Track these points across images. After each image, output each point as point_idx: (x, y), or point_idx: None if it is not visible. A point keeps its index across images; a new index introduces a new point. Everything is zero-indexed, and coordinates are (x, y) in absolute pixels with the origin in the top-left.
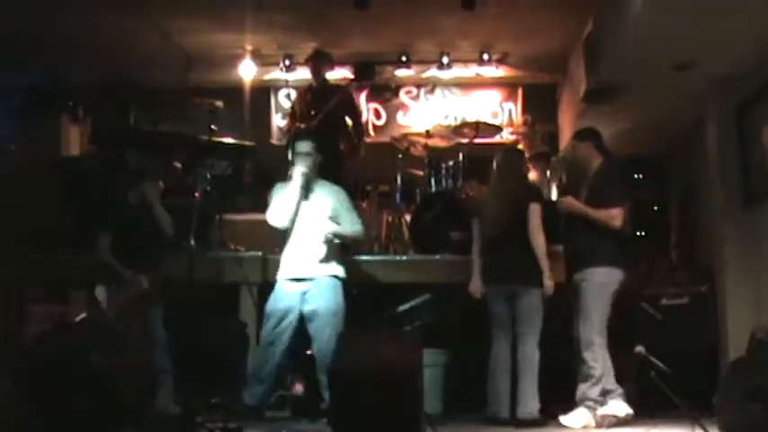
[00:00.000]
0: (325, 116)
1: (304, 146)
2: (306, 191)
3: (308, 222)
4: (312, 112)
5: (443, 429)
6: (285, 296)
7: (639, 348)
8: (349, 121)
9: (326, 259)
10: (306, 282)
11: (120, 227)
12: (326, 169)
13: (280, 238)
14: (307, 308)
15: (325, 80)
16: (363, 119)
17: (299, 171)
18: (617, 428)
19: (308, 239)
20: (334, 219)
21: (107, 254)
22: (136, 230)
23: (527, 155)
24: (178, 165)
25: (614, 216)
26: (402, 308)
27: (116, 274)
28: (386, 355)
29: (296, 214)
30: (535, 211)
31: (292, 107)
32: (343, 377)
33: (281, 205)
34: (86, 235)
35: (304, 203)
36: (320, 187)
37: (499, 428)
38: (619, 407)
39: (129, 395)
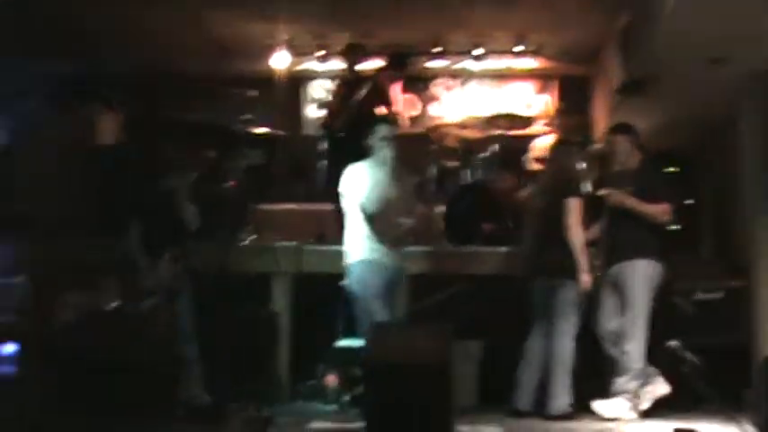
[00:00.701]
0: (357, 106)
1: (387, 130)
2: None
3: (392, 208)
4: (345, 104)
5: (473, 421)
6: (376, 276)
7: (673, 342)
8: (383, 110)
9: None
10: (388, 269)
11: (150, 216)
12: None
13: (314, 227)
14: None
15: (358, 72)
16: (396, 108)
17: (388, 155)
18: (651, 420)
19: (391, 225)
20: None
21: (136, 243)
22: (164, 219)
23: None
24: (212, 154)
25: (666, 211)
26: (428, 302)
27: (138, 264)
28: (417, 348)
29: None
30: (573, 205)
31: (329, 100)
32: (374, 369)
33: (373, 190)
34: (119, 223)
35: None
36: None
37: (526, 421)
38: (657, 386)
39: (157, 384)
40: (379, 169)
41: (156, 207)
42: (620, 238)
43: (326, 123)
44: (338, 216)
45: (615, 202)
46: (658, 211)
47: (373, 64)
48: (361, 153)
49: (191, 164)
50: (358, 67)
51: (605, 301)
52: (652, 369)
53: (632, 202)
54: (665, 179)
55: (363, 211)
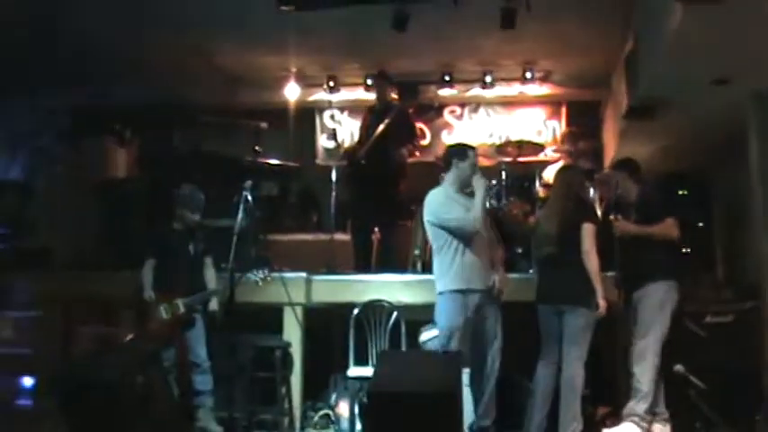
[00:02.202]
0: (381, 135)
1: (475, 157)
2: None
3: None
4: (371, 132)
5: None
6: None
7: (678, 367)
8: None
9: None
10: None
11: (163, 252)
12: (384, 186)
13: (321, 258)
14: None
15: (387, 101)
16: (418, 138)
17: (483, 181)
18: None
19: (484, 250)
20: None
21: (147, 279)
22: (177, 256)
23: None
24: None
25: (670, 225)
26: (427, 337)
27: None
28: (425, 376)
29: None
30: (588, 230)
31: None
32: (381, 397)
33: (479, 212)
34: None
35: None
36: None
37: None
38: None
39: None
40: (466, 196)
41: (169, 243)
42: (634, 266)
43: (351, 150)
44: (356, 244)
45: (620, 233)
46: (664, 228)
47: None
48: (383, 180)
49: (202, 204)
50: (389, 96)
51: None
52: (665, 412)
53: (637, 229)
54: (666, 197)
55: (462, 231)
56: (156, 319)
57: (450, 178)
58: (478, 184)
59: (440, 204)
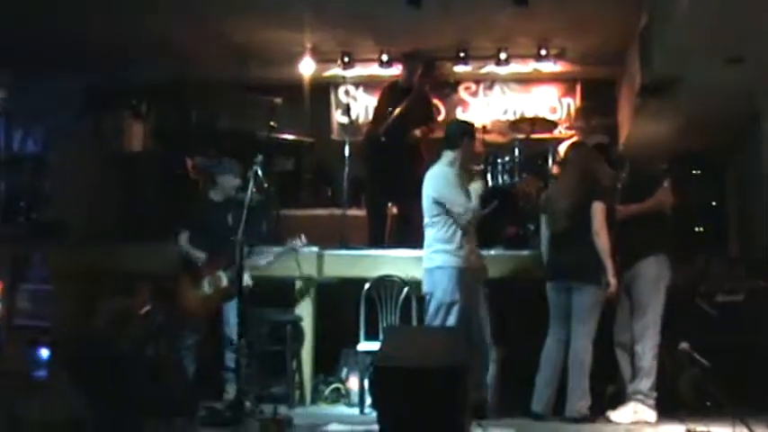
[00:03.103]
0: (402, 113)
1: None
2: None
3: None
4: (389, 110)
5: (488, 425)
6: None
7: (684, 345)
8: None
9: None
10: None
11: (199, 224)
12: (403, 165)
13: (335, 233)
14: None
15: (412, 82)
16: (435, 119)
17: (481, 183)
18: (664, 423)
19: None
20: None
21: (188, 247)
22: (215, 227)
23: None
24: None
25: (664, 193)
26: None
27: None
28: (431, 351)
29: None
30: (598, 209)
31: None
32: (388, 372)
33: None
34: (147, 228)
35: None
36: None
37: (542, 424)
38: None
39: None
40: (464, 176)
41: (208, 215)
42: (628, 242)
43: (371, 126)
44: (372, 219)
45: (624, 215)
46: (661, 197)
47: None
48: (401, 157)
49: (238, 171)
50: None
51: (620, 309)
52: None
53: (637, 207)
54: (649, 174)
55: (463, 216)
56: (198, 293)
57: (452, 155)
58: (477, 186)
59: (448, 184)
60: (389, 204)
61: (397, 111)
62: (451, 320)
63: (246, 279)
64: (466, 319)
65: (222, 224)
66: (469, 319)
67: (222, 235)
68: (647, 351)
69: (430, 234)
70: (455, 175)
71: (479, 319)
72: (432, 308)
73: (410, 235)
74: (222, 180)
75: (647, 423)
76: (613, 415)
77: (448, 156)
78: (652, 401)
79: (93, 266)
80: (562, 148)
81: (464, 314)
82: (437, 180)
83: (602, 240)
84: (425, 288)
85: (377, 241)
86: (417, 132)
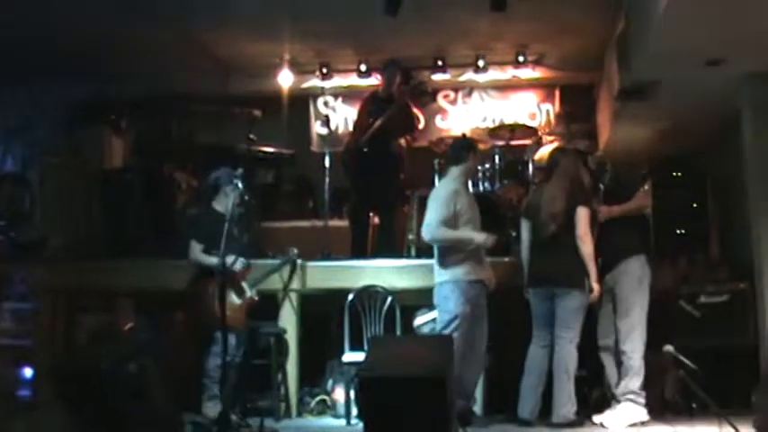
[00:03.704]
0: (383, 125)
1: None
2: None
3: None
4: (371, 121)
5: (474, 430)
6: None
7: (668, 347)
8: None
9: None
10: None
11: (210, 236)
12: (385, 175)
13: (317, 244)
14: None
15: (392, 91)
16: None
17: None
18: (650, 425)
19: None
20: None
21: (204, 257)
22: (225, 238)
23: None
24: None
25: (644, 196)
26: (421, 321)
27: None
28: (416, 361)
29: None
30: (583, 214)
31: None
32: (373, 382)
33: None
34: (128, 245)
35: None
36: None
37: (528, 429)
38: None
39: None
40: (466, 186)
41: (214, 226)
42: (610, 243)
43: (352, 139)
44: (355, 230)
45: (606, 216)
46: (640, 200)
47: (376, 80)
48: (383, 168)
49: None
50: (395, 85)
51: (603, 313)
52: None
53: (619, 209)
54: (629, 178)
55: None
56: (230, 303)
57: (459, 171)
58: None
59: (463, 205)
60: (371, 215)
61: (379, 122)
62: (460, 332)
63: (250, 292)
64: (472, 330)
65: (230, 234)
66: (474, 330)
67: (232, 245)
68: (636, 350)
69: (437, 248)
70: (462, 188)
71: (483, 329)
72: (442, 321)
73: (392, 245)
74: (227, 190)
75: (642, 423)
76: (602, 419)
77: (453, 172)
78: (642, 400)
79: (75, 283)
80: (544, 154)
81: (471, 326)
82: (447, 201)
83: (586, 245)
84: (435, 301)
85: (359, 252)
86: (402, 141)
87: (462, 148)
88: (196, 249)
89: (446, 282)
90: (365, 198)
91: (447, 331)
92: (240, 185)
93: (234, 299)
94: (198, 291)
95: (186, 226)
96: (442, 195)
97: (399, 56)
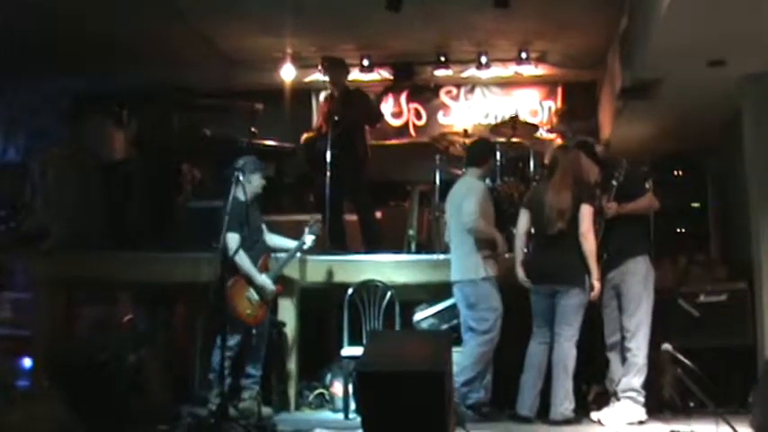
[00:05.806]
0: (345, 122)
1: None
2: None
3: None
4: (336, 118)
5: (473, 428)
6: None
7: (666, 346)
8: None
9: None
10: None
11: (241, 225)
12: (350, 172)
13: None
14: None
15: (345, 86)
16: (381, 121)
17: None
18: (649, 423)
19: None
20: None
21: (242, 257)
22: (251, 229)
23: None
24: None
25: (651, 197)
26: (421, 316)
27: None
28: (413, 355)
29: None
30: (586, 211)
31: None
32: (371, 377)
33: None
34: (129, 236)
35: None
36: None
37: (527, 426)
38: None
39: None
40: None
41: (241, 215)
42: (615, 242)
43: (315, 135)
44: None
45: (615, 213)
46: (648, 200)
47: (379, 74)
48: (352, 165)
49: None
50: (344, 82)
51: (607, 311)
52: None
53: (629, 207)
54: (637, 176)
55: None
56: (253, 303)
57: (479, 172)
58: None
59: (473, 197)
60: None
61: (343, 118)
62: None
63: (270, 284)
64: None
65: (254, 223)
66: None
67: (257, 235)
68: (642, 348)
69: (473, 244)
70: (482, 188)
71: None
72: (485, 318)
73: (377, 239)
74: (252, 179)
75: (639, 423)
76: (601, 416)
77: (474, 172)
78: (642, 399)
79: (75, 275)
80: (549, 150)
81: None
82: (466, 192)
83: (589, 243)
84: (466, 299)
85: (339, 247)
86: (367, 135)
87: (483, 151)
88: (233, 242)
89: (486, 278)
90: (337, 196)
91: (495, 329)
92: (241, 178)
93: (256, 296)
94: (226, 288)
95: (210, 218)
96: (480, 190)
97: (402, 51)
